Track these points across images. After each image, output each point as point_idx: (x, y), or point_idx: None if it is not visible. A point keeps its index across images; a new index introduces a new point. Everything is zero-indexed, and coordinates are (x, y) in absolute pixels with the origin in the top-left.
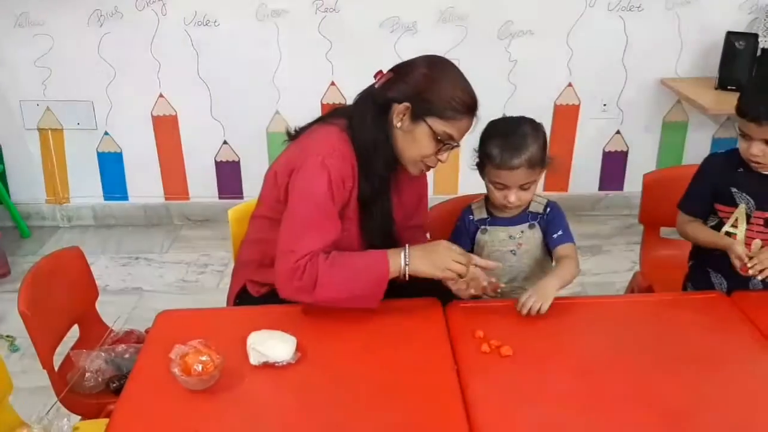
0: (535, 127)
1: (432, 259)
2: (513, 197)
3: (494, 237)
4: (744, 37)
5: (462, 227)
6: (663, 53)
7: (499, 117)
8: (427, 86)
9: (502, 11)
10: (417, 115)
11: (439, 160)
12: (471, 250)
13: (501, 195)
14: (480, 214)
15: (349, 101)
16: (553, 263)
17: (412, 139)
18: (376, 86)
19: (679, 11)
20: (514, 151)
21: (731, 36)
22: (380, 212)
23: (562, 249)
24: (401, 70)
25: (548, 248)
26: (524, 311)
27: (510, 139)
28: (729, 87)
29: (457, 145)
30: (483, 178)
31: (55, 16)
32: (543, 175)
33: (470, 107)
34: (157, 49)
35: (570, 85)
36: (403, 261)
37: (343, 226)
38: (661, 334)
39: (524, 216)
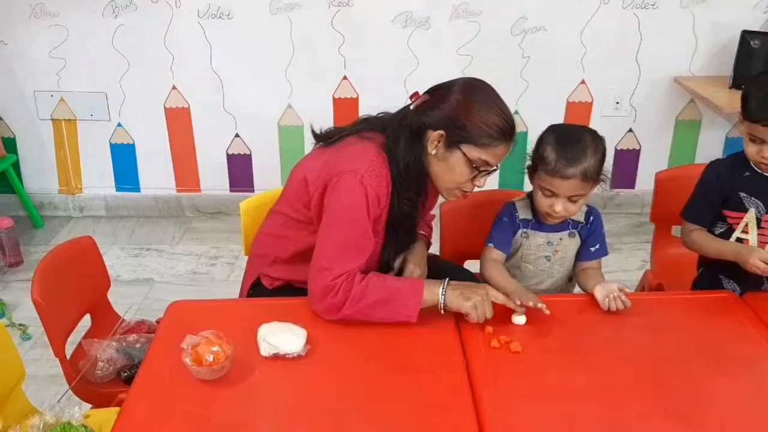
0: (597, 139)
1: (467, 295)
2: (559, 207)
3: (532, 241)
4: (759, 36)
5: (509, 224)
6: (677, 51)
7: (560, 123)
8: (462, 113)
9: (516, 7)
10: (452, 142)
11: (475, 186)
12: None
13: (547, 203)
14: (525, 214)
15: (361, 96)
16: (575, 269)
17: (447, 167)
18: (411, 107)
19: (694, 9)
20: (571, 160)
21: (746, 35)
22: (405, 233)
23: (593, 261)
24: (437, 94)
25: (578, 256)
26: (613, 308)
27: (568, 147)
28: (743, 86)
29: (495, 169)
30: (531, 181)
31: (70, 8)
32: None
33: (507, 133)
34: (170, 42)
35: (583, 82)
36: (440, 296)
37: None
38: (672, 332)
39: (565, 224)
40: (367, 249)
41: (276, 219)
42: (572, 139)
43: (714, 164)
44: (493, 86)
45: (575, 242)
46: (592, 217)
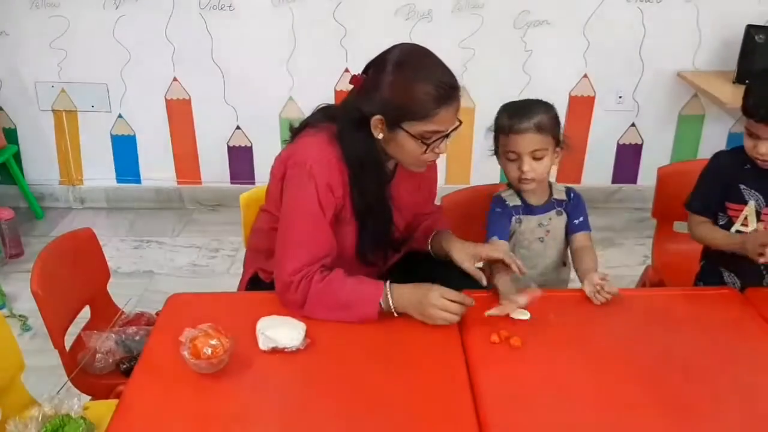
0: (546, 103)
1: (420, 307)
2: (526, 166)
3: (526, 226)
4: (764, 30)
5: (503, 213)
6: (681, 46)
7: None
8: (395, 94)
9: (519, 0)
10: (392, 124)
11: (436, 154)
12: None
13: (515, 167)
14: (513, 201)
15: None
16: (569, 252)
17: (398, 146)
18: (353, 94)
19: (698, 3)
20: (522, 115)
21: (751, 29)
22: (377, 224)
23: (581, 237)
24: (371, 75)
25: (566, 233)
26: (602, 300)
27: (518, 108)
28: (747, 81)
29: (455, 129)
30: (499, 162)
31: None
32: (557, 161)
33: (443, 97)
34: (171, 33)
35: (585, 76)
36: (391, 304)
37: (340, 229)
38: (672, 328)
39: (551, 204)
40: (323, 242)
41: (265, 216)
42: (521, 103)
43: (717, 156)
44: (495, 79)
45: (563, 219)
46: (572, 194)
